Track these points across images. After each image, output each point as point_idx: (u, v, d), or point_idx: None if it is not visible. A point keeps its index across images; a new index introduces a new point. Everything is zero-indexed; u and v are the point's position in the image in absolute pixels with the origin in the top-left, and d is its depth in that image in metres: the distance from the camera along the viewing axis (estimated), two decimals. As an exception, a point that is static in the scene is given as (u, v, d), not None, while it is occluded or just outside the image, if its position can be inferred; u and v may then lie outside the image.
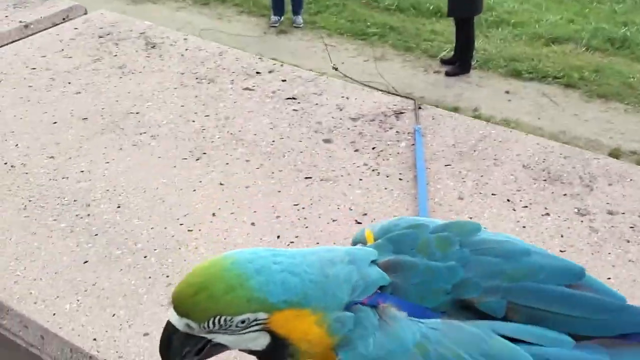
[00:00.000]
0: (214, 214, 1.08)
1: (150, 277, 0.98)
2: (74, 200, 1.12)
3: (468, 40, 7.67)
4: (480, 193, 1.09)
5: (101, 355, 0.87)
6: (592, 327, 0.63)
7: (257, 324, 0.60)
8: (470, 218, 1.04)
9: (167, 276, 0.98)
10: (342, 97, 1.37)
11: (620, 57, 7.90)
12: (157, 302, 0.94)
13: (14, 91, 1.43)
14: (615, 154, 6.34)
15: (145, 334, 0.90)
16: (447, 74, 7.83)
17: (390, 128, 1.26)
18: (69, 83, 1.44)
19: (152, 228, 1.06)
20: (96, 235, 1.06)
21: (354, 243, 0.73)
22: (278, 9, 9.29)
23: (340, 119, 1.29)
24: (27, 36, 1.65)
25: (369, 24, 9.02)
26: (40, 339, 0.92)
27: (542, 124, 6.84)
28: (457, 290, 0.64)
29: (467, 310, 0.65)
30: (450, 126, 1.25)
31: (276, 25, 9.25)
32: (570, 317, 0.63)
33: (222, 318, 0.58)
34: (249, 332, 0.60)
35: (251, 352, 0.63)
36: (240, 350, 0.63)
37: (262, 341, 0.61)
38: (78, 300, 0.95)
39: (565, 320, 0.63)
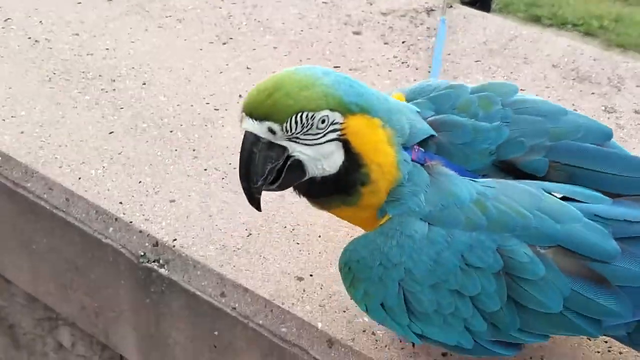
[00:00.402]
0: (240, 95, 1.07)
1: (176, 150, 0.98)
2: (99, 75, 1.12)
3: None
4: (510, 88, 1.09)
5: (127, 217, 0.88)
6: (624, 184, 0.64)
7: (334, 131, 0.60)
8: (499, 110, 1.04)
9: (194, 150, 0.98)
10: (371, -7, 1.34)
11: (642, 6, 7.75)
12: (183, 172, 0.94)
13: (37, -29, 1.40)
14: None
15: (172, 200, 0.90)
16: (464, 2, 7.71)
17: (421, 24, 1.24)
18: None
19: (178, 105, 1.06)
20: (122, 108, 1.05)
21: None
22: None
23: (371, 12, 1.27)
24: None
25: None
26: (66, 201, 0.92)
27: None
28: (501, 150, 0.65)
29: (507, 172, 0.66)
30: (482, 25, 1.23)
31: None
32: (606, 175, 0.64)
33: (304, 115, 0.58)
34: (327, 141, 0.60)
35: (323, 183, 0.63)
36: (313, 177, 0.62)
37: (337, 158, 0.61)
38: (104, 167, 0.95)
39: (601, 178, 0.64)
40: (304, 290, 0.78)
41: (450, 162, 0.65)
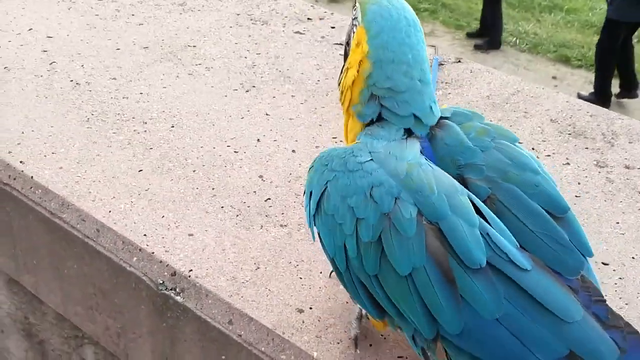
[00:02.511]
0: (258, 140, 1.17)
1: (197, 188, 1.07)
2: (133, 118, 1.22)
3: (493, 16, 7.55)
4: (508, 141, 1.16)
5: (149, 249, 0.97)
6: (540, 248, 0.67)
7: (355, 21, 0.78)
8: (496, 161, 1.10)
9: (213, 188, 1.07)
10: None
11: (673, 51, 7.73)
12: (202, 209, 1.03)
13: (82, 19, 1.52)
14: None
15: (190, 234, 0.99)
16: (477, 47, 7.72)
17: (429, 77, 1.32)
18: (133, 15, 1.53)
19: (201, 147, 1.15)
20: (151, 149, 1.15)
21: None
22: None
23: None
24: (96, -29, 1.73)
25: (420, 0, 8.95)
26: (96, 232, 1.01)
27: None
28: (464, 168, 0.73)
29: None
30: (487, 80, 1.31)
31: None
32: (529, 232, 0.68)
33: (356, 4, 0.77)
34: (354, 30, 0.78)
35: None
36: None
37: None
38: (132, 202, 1.05)
39: (523, 231, 0.68)
40: (303, 322, 0.86)
41: (429, 147, 0.74)
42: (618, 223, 0.99)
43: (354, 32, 0.77)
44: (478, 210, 0.66)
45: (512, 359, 0.63)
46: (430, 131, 0.74)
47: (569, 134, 1.17)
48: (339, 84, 0.79)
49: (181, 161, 1.12)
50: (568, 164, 1.10)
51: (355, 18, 0.77)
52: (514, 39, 8.12)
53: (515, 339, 0.62)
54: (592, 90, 6.93)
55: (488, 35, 8.10)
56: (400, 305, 0.68)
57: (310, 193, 0.75)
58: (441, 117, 0.75)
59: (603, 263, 0.92)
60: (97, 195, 1.06)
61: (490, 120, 1.17)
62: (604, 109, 1.24)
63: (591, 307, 0.63)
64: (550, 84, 7.19)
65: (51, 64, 1.36)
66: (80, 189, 1.07)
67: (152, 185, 1.07)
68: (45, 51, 1.40)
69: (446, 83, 1.30)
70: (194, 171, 1.11)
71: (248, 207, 1.03)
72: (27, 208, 1.09)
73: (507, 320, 0.62)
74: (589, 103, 1.23)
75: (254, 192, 1.06)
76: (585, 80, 7.23)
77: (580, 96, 7.01)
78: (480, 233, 0.64)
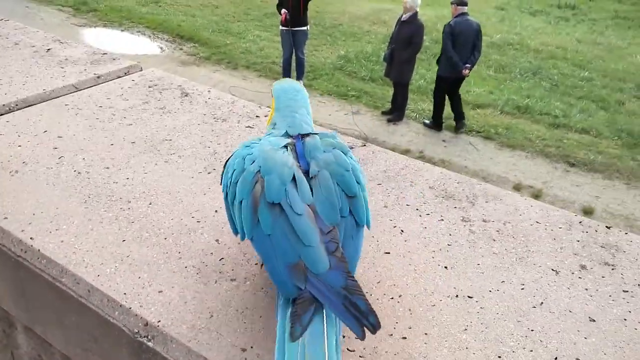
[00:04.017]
0: (216, 211, 1.11)
1: (167, 253, 1.01)
2: (120, 198, 1.15)
3: (404, 97, 7.89)
4: (399, 204, 1.13)
5: (128, 305, 0.90)
6: (321, 205, 0.77)
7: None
8: (391, 220, 1.07)
9: (179, 252, 1.01)
10: (313, 135, 1.41)
11: (524, 119, 8.04)
12: (170, 270, 0.97)
13: (86, 121, 1.46)
14: (517, 187, 6.42)
15: (160, 291, 0.92)
16: (389, 120, 8.06)
17: (342, 158, 1.30)
18: (124, 118, 1.48)
19: (172, 219, 1.09)
20: (132, 222, 1.09)
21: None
22: (286, 74, 9.39)
23: (309, 150, 1.33)
24: (98, 84, 1.68)
25: (349, 88, 9.12)
26: (87, 292, 0.94)
27: (468, 164, 6.92)
28: (312, 159, 0.81)
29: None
30: (384, 158, 1.29)
31: (283, 86, 9.24)
32: (323, 197, 0.77)
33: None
34: None
35: None
36: None
37: None
38: (116, 266, 0.98)
39: (320, 196, 0.77)
40: (245, 359, 0.80)
41: (301, 144, 0.84)
42: (479, 264, 0.97)
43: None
44: (295, 180, 0.78)
45: (268, 256, 0.75)
46: (303, 137, 0.85)
47: (443, 197, 1.15)
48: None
49: (155, 231, 1.06)
50: (442, 220, 1.08)
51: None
52: (415, 114, 8.30)
53: (273, 246, 0.74)
54: (432, 121, 7.99)
55: (396, 111, 8.29)
56: (238, 220, 0.81)
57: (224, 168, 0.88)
58: (314, 133, 0.85)
59: (469, 296, 0.89)
60: (89, 262, 0.99)
61: (387, 189, 1.15)
62: (466, 176, 1.23)
63: (325, 242, 0.73)
64: (442, 145, 7.33)
65: (59, 158, 1.29)
66: (77, 258, 1.00)
67: (132, 252, 1.01)
68: (55, 148, 1.33)
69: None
70: (165, 239, 1.04)
71: (206, 266, 0.97)
72: (35, 274, 1.01)
73: (274, 236, 0.74)
74: (456, 173, 1.22)
75: (211, 253, 1.00)
76: (465, 142, 7.40)
77: (425, 124, 7.72)
78: (286, 190, 0.76)
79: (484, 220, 1.08)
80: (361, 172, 0.83)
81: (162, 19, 11.67)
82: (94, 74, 1.73)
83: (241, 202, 0.78)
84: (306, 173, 0.79)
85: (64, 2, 12.62)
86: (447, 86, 7.41)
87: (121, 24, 11.55)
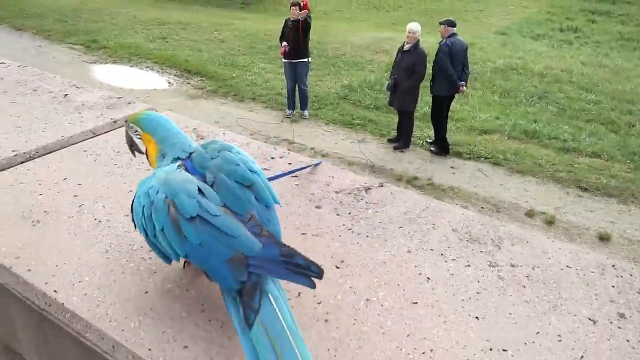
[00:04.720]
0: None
1: (189, 305, 1.00)
2: (140, 247, 1.15)
3: (409, 125, 7.96)
4: (423, 249, 1.12)
5: (154, 360, 0.88)
6: (232, 202, 0.87)
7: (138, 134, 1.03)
8: (416, 266, 1.06)
9: (202, 304, 1.00)
10: (329, 176, 1.41)
11: (532, 144, 8.03)
12: (194, 323, 0.95)
13: (104, 167, 1.46)
14: (529, 214, 6.37)
15: (185, 347, 0.91)
16: (396, 148, 8.11)
17: (362, 199, 1.29)
18: (142, 163, 1.47)
19: (193, 270, 1.08)
20: (154, 273, 1.08)
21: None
22: (290, 105, 9.50)
23: (327, 192, 1.33)
24: (115, 129, 1.70)
25: (354, 117, 9.18)
26: (112, 348, 0.93)
27: (477, 190, 6.88)
28: (205, 169, 0.91)
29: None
30: (403, 199, 1.28)
31: (290, 116, 9.43)
32: (230, 195, 0.88)
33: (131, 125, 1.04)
34: (138, 138, 1.04)
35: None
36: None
37: (144, 147, 1.04)
38: (140, 320, 0.96)
39: (227, 196, 0.88)
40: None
41: (190, 162, 0.94)
42: (511, 314, 0.94)
43: (138, 137, 1.04)
44: (201, 190, 0.86)
45: (207, 261, 0.83)
46: (190, 155, 0.95)
47: (467, 240, 1.14)
48: (149, 161, 1.04)
49: (178, 282, 1.05)
50: (469, 265, 1.06)
51: (136, 131, 1.03)
52: (421, 141, 8.31)
53: (208, 251, 0.82)
54: (436, 146, 8.08)
55: (402, 139, 8.30)
56: (164, 248, 0.90)
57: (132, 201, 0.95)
58: (202, 147, 0.96)
59: (503, 349, 0.87)
60: (113, 316, 0.98)
61: (409, 232, 1.15)
62: (490, 217, 1.21)
63: (250, 229, 0.83)
64: (450, 172, 7.31)
65: (80, 206, 1.29)
66: (100, 312, 0.99)
67: (155, 305, 1.00)
68: (75, 196, 1.34)
69: (374, 203, 1.27)
70: (187, 290, 1.03)
71: (229, 319, 0.96)
72: (59, 328, 1.00)
73: (205, 242, 0.82)
74: (479, 214, 1.20)
75: (235, 304, 0.99)
76: (474, 168, 7.39)
77: (431, 151, 7.77)
78: (197, 201, 0.84)
79: (512, 265, 1.06)
80: (252, 161, 0.93)
81: (170, 54, 11.89)
82: (111, 118, 1.75)
83: (162, 229, 0.85)
84: (205, 183, 0.88)
85: (75, 41, 12.92)
86: (445, 105, 7.52)
87: (130, 60, 11.77)
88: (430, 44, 8.43)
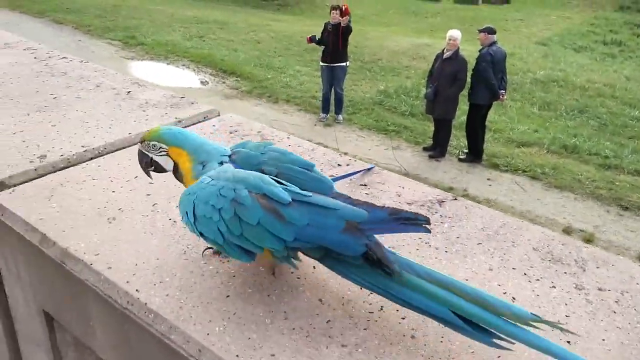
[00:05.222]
0: (314, 267, 1.10)
1: (272, 311, 1.00)
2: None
3: (447, 134, 7.89)
4: (505, 267, 1.10)
5: (241, 367, 0.89)
6: (309, 186, 0.94)
7: (163, 150, 1.04)
8: (499, 285, 1.04)
9: (284, 311, 1.00)
10: (399, 186, 1.40)
11: (572, 160, 7.86)
12: (279, 331, 0.96)
13: (173, 168, 1.48)
14: (567, 230, 6.23)
15: (272, 355, 0.91)
16: (431, 156, 8.03)
17: (436, 212, 1.28)
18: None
19: (272, 273, 1.09)
20: (234, 276, 1.08)
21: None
22: (325, 109, 9.51)
23: (399, 202, 1.32)
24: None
25: (389, 123, 9.14)
26: (198, 351, 0.94)
27: (514, 204, 6.77)
28: (257, 165, 0.98)
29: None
30: (479, 214, 1.27)
31: (324, 120, 9.44)
32: (302, 180, 0.95)
33: (151, 143, 1.04)
34: (162, 155, 1.04)
35: (174, 172, 1.08)
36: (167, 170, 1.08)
37: (170, 163, 1.05)
38: (224, 325, 0.97)
39: (300, 182, 0.94)
40: None
41: (237, 166, 0.98)
42: (604, 340, 0.92)
43: (161, 155, 1.04)
44: (278, 181, 0.91)
45: (323, 238, 0.87)
46: (231, 157, 1.00)
47: (549, 260, 1.12)
48: (180, 180, 1.07)
49: (258, 287, 1.06)
50: (554, 287, 1.04)
51: (160, 148, 1.04)
52: (457, 150, 8.22)
53: (319, 229, 0.86)
54: (468, 153, 8.04)
55: (439, 147, 8.22)
56: (259, 242, 0.89)
57: (186, 213, 0.96)
58: (238, 147, 1.03)
59: (599, 378, 0.85)
60: (197, 319, 0.99)
61: (489, 250, 1.13)
62: (570, 237, 1.19)
63: (343, 200, 0.90)
64: (486, 184, 7.22)
65: (153, 205, 1.32)
66: (184, 314, 1.00)
67: (237, 310, 1.00)
68: (148, 195, 1.36)
69: (449, 217, 1.26)
70: (268, 295, 1.04)
71: (314, 328, 0.96)
72: (142, 328, 1.02)
73: (312, 220, 0.86)
74: (559, 234, 1.18)
75: (317, 314, 0.99)
76: (511, 181, 7.28)
77: (460, 159, 7.67)
78: (284, 188, 0.89)
79: (600, 289, 1.04)
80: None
81: (206, 53, 12.05)
82: (175, 117, 1.77)
83: (258, 222, 0.87)
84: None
85: (114, 36, 13.21)
86: (482, 114, 7.45)
87: (167, 57, 11.98)
88: (469, 52, 8.34)
